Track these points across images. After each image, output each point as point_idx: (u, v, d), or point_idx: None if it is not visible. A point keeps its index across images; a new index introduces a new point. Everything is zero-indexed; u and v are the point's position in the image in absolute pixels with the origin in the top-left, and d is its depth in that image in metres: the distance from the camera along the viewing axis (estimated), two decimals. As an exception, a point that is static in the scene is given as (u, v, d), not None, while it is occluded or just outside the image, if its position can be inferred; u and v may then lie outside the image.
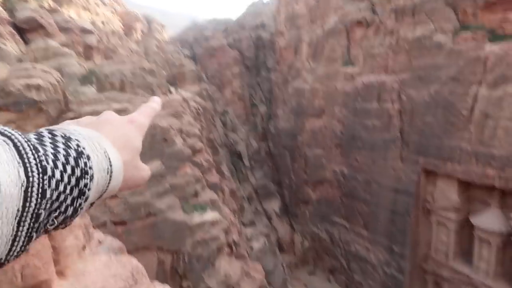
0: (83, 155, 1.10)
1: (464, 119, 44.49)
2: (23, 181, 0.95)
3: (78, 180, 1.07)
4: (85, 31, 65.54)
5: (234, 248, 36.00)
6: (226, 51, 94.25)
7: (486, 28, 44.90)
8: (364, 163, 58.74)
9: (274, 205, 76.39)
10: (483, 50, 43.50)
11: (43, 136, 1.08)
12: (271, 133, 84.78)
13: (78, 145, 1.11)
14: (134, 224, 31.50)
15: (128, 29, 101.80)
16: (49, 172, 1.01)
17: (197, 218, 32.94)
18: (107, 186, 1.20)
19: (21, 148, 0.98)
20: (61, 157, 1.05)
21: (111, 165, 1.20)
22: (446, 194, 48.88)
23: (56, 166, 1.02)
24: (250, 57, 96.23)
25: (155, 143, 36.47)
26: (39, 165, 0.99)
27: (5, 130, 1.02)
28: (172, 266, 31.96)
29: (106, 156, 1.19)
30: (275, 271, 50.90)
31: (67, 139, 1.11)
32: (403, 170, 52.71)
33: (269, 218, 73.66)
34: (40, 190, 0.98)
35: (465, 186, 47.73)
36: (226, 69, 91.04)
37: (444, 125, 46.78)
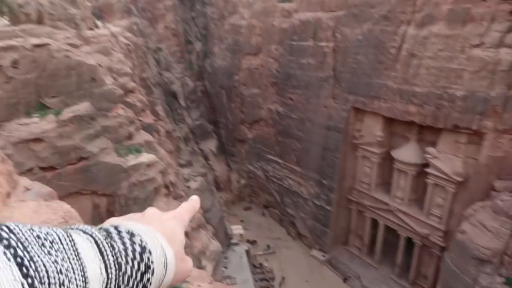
0: (146, 250, 1.16)
1: (392, 57, 46.75)
2: (104, 278, 1.03)
3: (142, 275, 1.13)
4: (-14, -50, 56.12)
5: (171, 188, 36.27)
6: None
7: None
8: (299, 101, 60.39)
9: (210, 145, 76.91)
10: (414, -12, 44.80)
11: (110, 233, 1.14)
12: (207, 72, 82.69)
13: (141, 240, 1.17)
14: (65, 169, 30.18)
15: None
16: (123, 269, 1.08)
17: (132, 160, 32.29)
18: (163, 280, 1.23)
19: (101, 245, 1.07)
20: (130, 253, 1.11)
21: (167, 259, 1.24)
22: (372, 130, 52.55)
23: (127, 262, 1.09)
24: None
25: (82, 83, 34.03)
26: (115, 262, 1.07)
27: (86, 228, 1.11)
28: (108, 209, 31.60)
29: (163, 250, 1.23)
30: (213, 208, 52.66)
31: (131, 234, 1.16)
32: (335, 108, 55.19)
33: (206, 158, 74.42)
34: (116, 286, 1.06)
35: (389, 122, 51.52)
36: (158, 2, 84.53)
37: (374, 64, 48.89)
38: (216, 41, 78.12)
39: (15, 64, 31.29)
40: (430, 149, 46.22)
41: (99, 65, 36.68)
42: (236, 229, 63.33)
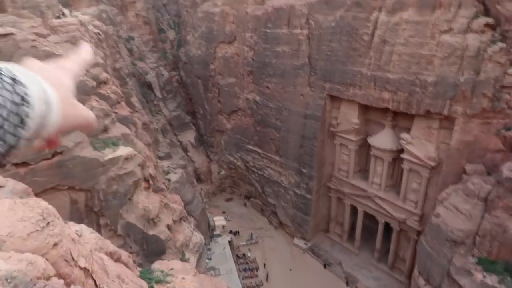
0: (19, 83, 1.06)
1: (365, 44, 47.16)
2: None
3: (18, 106, 1.03)
4: None
5: (151, 181, 35.62)
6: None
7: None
8: (275, 90, 60.28)
9: (189, 136, 75.98)
10: (384, -26, 45.18)
11: None
12: (182, 61, 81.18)
13: (10, 71, 1.07)
14: (39, 164, 29.08)
15: None
16: None
17: (109, 154, 31.43)
18: (46, 117, 1.14)
19: None
20: None
21: (46, 95, 1.15)
22: (348, 118, 53.17)
23: None
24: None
25: (52, 75, 32.71)
26: None
27: None
28: (87, 204, 30.75)
29: (41, 87, 1.14)
30: (194, 200, 52.23)
31: None
32: (311, 96, 55.43)
33: (185, 150, 73.55)
34: None
35: (364, 109, 52.25)
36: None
37: (348, 51, 49.21)
38: (189, 29, 76.57)
39: (-22, 55, 29.75)
40: (404, 135, 47.25)
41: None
42: (219, 221, 63.13)
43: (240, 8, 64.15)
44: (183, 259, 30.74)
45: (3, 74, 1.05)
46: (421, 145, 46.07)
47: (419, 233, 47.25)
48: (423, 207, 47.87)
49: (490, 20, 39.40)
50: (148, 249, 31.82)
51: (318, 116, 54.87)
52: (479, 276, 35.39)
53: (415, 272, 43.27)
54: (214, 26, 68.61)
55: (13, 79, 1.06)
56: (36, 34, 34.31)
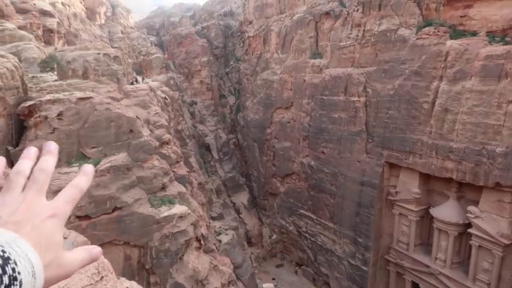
0: (10, 261, 1.08)
1: (426, 113, 46.07)
2: None
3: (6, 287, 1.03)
4: (44, 13, 62.31)
5: (202, 242, 35.63)
6: (194, 39, 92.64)
7: (448, 24, 46.52)
8: (331, 155, 59.75)
9: (242, 198, 76.39)
10: (444, 45, 45.07)
11: None
12: (240, 125, 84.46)
13: (3, 251, 1.08)
14: (99, 218, 30.44)
15: (91, 13, 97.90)
16: None
17: (165, 211, 32.26)
18: None
19: None
20: None
21: (34, 268, 1.16)
22: (408, 187, 50.59)
23: None
24: (219, 46, 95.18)
25: (121, 134, 35.26)
26: None
27: None
28: (139, 261, 31.16)
29: (29, 260, 1.15)
30: (244, 264, 50.99)
31: None
32: (368, 163, 54.04)
33: (238, 211, 73.66)
34: None
35: (426, 178, 49.57)
36: (194, 58, 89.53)
37: (407, 118, 48.28)
38: (248, 95, 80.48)
39: (60, 116, 33.10)
40: (472, 208, 43.63)
41: (137, 117, 38.16)
42: (268, 288, 60.53)
43: (298, 76, 66.68)
44: (229, 327, 29.38)
45: None
46: (491, 220, 42.11)
47: (493, 321, 41.55)
48: (497, 290, 42.52)
49: None
50: (195, 313, 30.92)
51: (375, 183, 52.92)
52: None
53: None
54: (273, 93, 71.44)
55: (3, 258, 1.06)
56: (111, 97, 37.82)
